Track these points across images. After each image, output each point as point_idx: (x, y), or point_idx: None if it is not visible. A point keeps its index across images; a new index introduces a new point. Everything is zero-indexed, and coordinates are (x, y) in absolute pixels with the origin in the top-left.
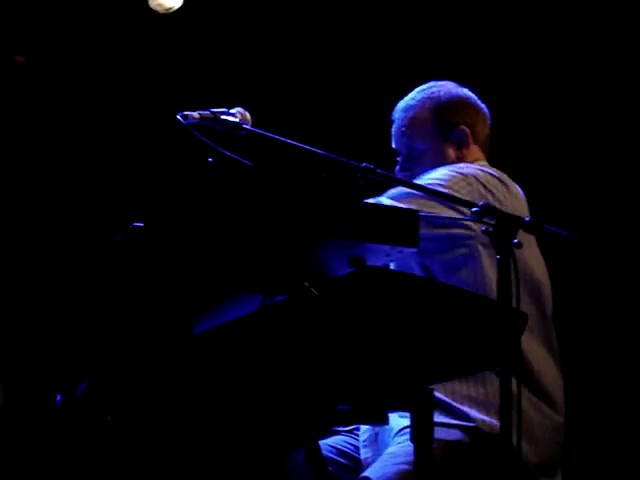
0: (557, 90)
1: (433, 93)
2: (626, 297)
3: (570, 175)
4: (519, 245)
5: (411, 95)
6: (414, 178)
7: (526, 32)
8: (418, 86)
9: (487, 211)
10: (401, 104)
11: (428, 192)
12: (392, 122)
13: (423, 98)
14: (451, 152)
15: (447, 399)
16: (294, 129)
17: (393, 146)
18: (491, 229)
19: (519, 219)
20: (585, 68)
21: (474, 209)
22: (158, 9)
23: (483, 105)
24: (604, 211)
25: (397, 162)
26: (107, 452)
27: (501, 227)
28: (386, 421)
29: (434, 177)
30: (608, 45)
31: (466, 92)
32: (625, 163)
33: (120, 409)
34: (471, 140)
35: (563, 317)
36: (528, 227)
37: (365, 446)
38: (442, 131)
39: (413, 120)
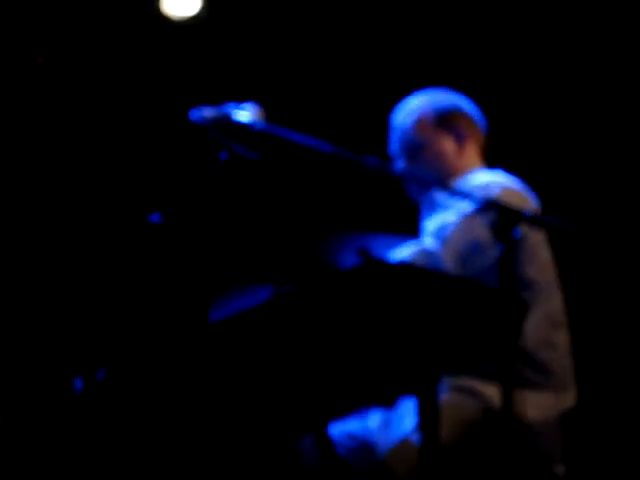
0: (555, 83)
1: (432, 98)
2: (626, 288)
3: (570, 167)
4: (521, 238)
5: (409, 101)
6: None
7: (524, 31)
8: (421, 83)
9: (489, 205)
10: (401, 110)
11: (433, 186)
12: (390, 127)
13: (423, 102)
14: (449, 145)
15: (462, 380)
16: (304, 124)
17: (392, 150)
18: (494, 222)
19: (521, 213)
20: (582, 62)
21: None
22: (173, 15)
23: (481, 118)
24: (603, 202)
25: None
26: (124, 438)
27: (503, 220)
28: (394, 404)
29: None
30: (607, 42)
31: (464, 102)
32: (623, 156)
33: (137, 395)
34: (469, 137)
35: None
36: (530, 221)
37: (377, 432)
38: (442, 125)
39: (415, 121)
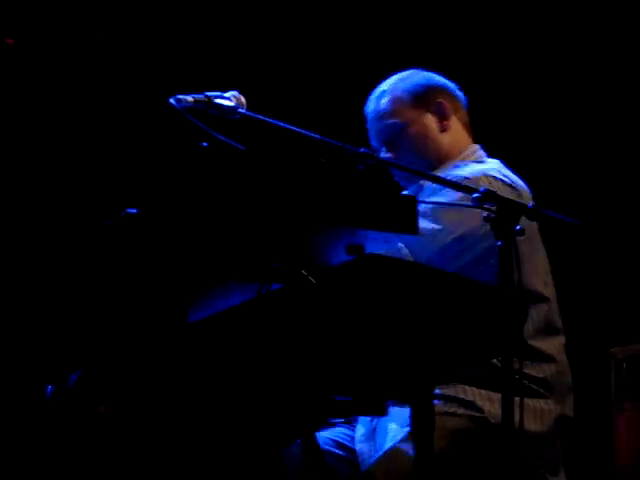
0: (558, 74)
1: (406, 75)
2: (629, 283)
3: (572, 160)
4: (521, 232)
5: (384, 83)
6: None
7: (518, 19)
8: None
9: (488, 197)
10: (375, 92)
11: (430, 178)
12: (365, 117)
13: (396, 81)
14: (432, 123)
15: (453, 389)
16: (291, 113)
17: (372, 143)
18: (492, 215)
19: (521, 206)
20: (583, 53)
21: (475, 195)
22: None
23: (458, 91)
24: (607, 196)
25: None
26: (99, 443)
27: (503, 213)
28: (385, 412)
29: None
30: (603, 37)
31: (439, 78)
32: (627, 149)
33: (113, 400)
34: (452, 112)
35: (565, 303)
36: (530, 214)
37: (362, 441)
38: (420, 104)
39: (389, 103)
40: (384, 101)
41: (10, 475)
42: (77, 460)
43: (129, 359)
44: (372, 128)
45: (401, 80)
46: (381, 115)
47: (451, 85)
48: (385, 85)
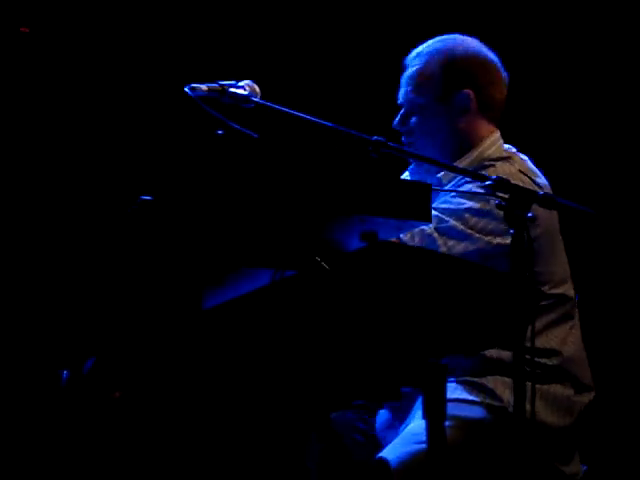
0: (577, 62)
1: (448, 46)
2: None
3: (587, 149)
4: (533, 219)
5: (428, 43)
6: (410, 137)
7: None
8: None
9: (501, 185)
10: (416, 50)
11: (442, 166)
12: (404, 68)
13: (437, 49)
14: (450, 117)
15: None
16: (304, 102)
17: (399, 100)
18: (504, 203)
19: (533, 193)
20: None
21: (487, 182)
22: None
23: (502, 70)
24: (620, 185)
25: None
26: (114, 429)
27: (515, 201)
28: (399, 397)
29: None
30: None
31: (485, 52)
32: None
33: (128, 386)
34: (475, 107)
35: (580, 293)
36: (543, 201)
37: (383, 429)
38: (445, 92)
39: (420, 72)
40: (418, 67)
41: (24, 461)
42: (91, 446)
43: (144, 346)
44: (402, 84)
45: (443, 51)
46: (409, 81)
47: (494, 63)
48: (428, 47)
